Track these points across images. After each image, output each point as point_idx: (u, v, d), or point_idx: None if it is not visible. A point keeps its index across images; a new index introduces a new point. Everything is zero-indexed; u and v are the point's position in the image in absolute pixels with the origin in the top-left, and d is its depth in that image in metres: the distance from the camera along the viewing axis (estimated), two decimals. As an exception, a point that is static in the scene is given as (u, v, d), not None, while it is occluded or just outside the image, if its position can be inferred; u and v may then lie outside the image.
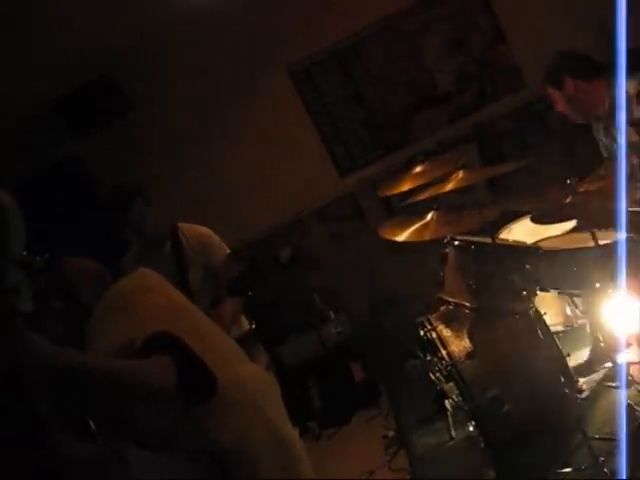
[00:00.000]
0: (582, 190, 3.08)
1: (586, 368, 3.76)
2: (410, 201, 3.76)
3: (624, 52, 2.71)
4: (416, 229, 3.70)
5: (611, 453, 3.02)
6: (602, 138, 3.80)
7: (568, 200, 3.05)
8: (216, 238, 3.85)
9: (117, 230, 4.05)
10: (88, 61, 4.90)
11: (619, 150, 3.56)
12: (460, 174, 3.36)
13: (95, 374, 2.05)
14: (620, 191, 3.05)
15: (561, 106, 3.70)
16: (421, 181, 3.59)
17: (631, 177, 3.52)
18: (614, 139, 3.67)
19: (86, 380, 2.01)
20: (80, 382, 1.98)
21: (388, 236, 3.78)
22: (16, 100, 4.79)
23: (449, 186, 3.34)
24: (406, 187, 3.62)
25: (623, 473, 2.78)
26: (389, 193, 3.75)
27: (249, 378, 2.65)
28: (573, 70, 3.59)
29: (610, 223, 3.08)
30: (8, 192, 1.76)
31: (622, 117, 3.48)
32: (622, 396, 3.23)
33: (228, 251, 3.84)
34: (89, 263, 2.66)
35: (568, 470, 3.09)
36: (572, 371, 3.48)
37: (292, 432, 2.80)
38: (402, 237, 3.70)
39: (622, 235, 3.14)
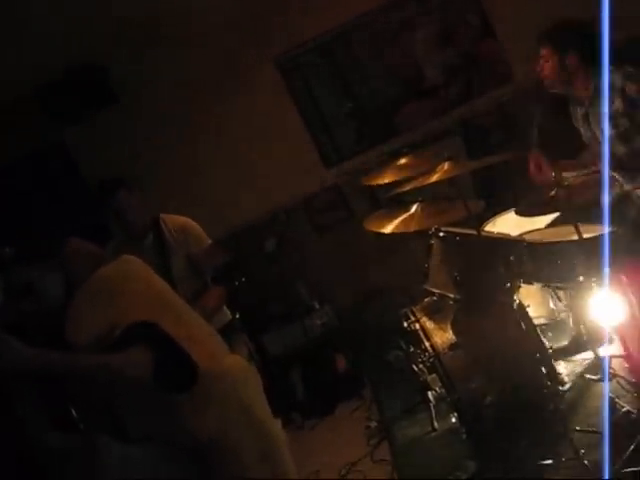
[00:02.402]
0: (566, 183, 3.08)
1: (564, 353, 3.78)
2: (395, 192, 3.76)
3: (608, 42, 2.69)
4: (401, 221, 3.70)
5: (592, 445, 3.04)
6: (581, 127, 3.75)
7: (552, 193, 3.05)
8: (198, 228, 3.85)
9: (101, 219, 4.03)
10: (74, 49, 4.86)
11: (602, 141, 3.53)
12: (446, 166, 3.36)
13: (72, 372, 2.07)
14: (604, 183, 3.05)
15: (548, 70, 3.52)
16: (406, 173, 3.59)
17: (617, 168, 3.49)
18: (591, 128, 3.62)
19: (64, 378, 2.03)
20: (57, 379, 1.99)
21: (373, 228, 3.78)
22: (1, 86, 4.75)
23: (434, 178, 3.33)
24: (391, 179, 3.62)
25: (605, 466, 2.79)
26: (372, 183, 3.74)
27: (230, 368, 2.65)
28: (582, 49, 3.47)
29: (594, 216, 3.08)
30: None
31: (605, 108, 3.45)
32: (604, 389, 3.25)
33: (210, 241, 3.84)
34: (83, 243, 2.65)
35: (548, 462, 3.11)
36: (554, 363, 3.50)
37: (273, 422, 2.81)
38: (387, 229, 3.70)
39: (606, 228, 3.15)
